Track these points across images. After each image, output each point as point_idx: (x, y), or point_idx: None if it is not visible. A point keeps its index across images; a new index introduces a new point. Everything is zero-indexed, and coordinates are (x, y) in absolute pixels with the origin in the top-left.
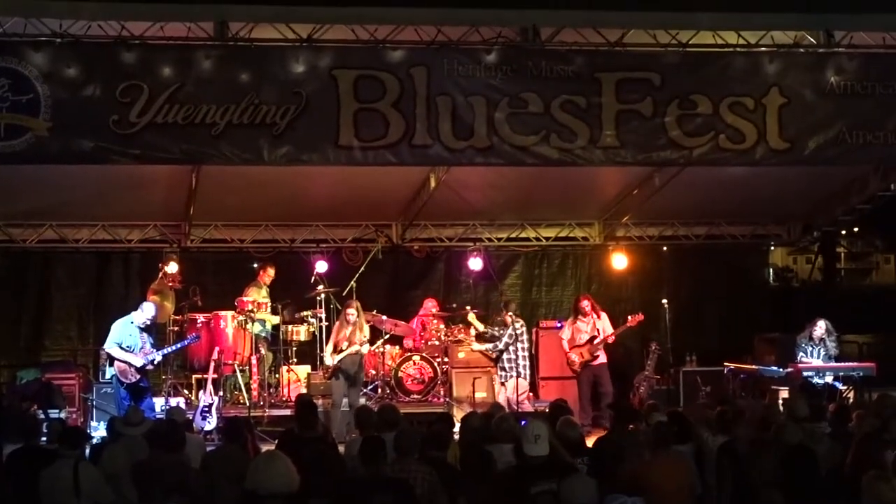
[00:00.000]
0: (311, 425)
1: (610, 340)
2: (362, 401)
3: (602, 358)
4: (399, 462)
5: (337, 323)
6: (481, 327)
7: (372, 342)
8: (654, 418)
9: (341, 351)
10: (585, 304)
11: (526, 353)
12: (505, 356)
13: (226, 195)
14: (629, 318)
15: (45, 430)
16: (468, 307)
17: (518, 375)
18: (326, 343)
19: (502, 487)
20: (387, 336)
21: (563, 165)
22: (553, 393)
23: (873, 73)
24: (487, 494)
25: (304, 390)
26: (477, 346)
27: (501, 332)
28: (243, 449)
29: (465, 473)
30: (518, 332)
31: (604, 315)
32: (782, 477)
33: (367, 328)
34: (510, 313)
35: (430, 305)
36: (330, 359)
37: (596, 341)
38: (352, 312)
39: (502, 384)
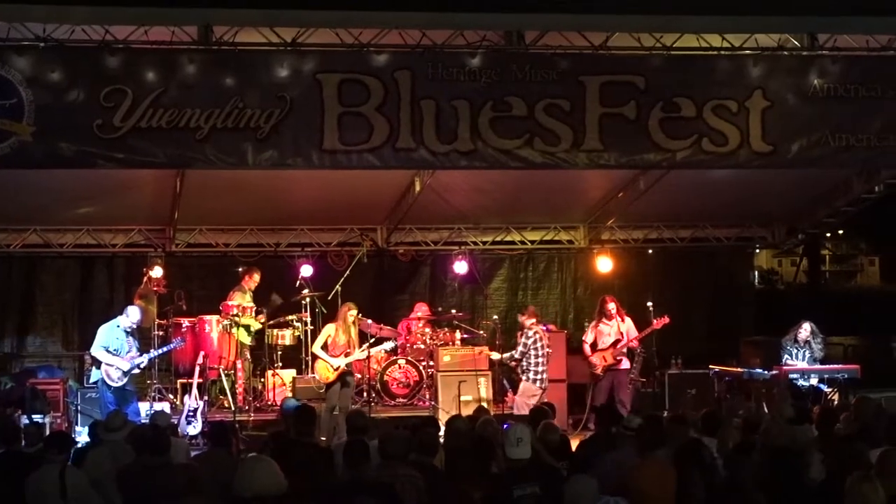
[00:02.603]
0: (310, 432)
1: (634, 345)
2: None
3: (625, 363)
4: (385, 467)
5: (334, 324)
6: (501, 356)
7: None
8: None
9: (346, 354)
10: (612, 307)
11: (541, 360)
12: (524, 361)
13: (210, 199)
14: (654, 321)
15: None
16: (491, 351)
17: (528, 380)
18: (313, 343)
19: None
20: (395, 346)
21: (547, 169)
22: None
23: (856, 76)
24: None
25: (289, 394)
26: (496, 355)
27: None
28: (229, 453)
29: (450, 476)
30: (530, 340)
31: (628, 319)
32: (767, 479)
33: None
34: (530, 318)
35: (420, 310)
36: (333, 359)
37: (619, 345)
38: (352, 314)
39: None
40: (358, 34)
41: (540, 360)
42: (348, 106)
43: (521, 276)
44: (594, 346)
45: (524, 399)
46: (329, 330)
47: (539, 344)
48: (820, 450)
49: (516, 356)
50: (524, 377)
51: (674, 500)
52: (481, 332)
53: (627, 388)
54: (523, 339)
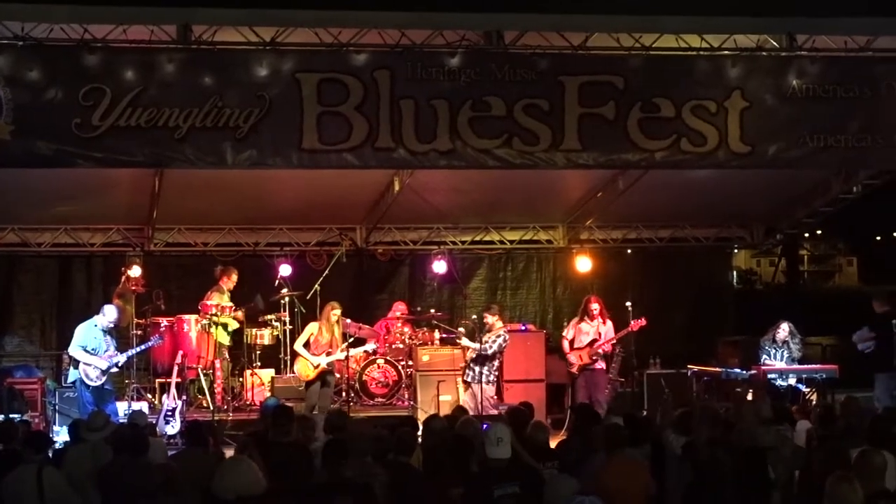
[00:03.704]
0: (287, 432)
1: (606, 348)
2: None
3: (601, 364)
4: (352, 465)
5: (317, 323)
6: (473, 344)
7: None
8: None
9: (327, 353)
10: (595, 308)
11: (500, 362)
12: (488, 361)
13: (189, 198)
14: (632, 322)
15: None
16: (460, 329)
17: (488, 382)
18: (292, 342)
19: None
20: (375, 348)
21: (526, 169)
22: (518, 396)
23: (835, 77)
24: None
25: (268, 393)
26: (468, 342)
27: (492, 338)
28: (206, 452)
29: (429, 476)
30: (506, 344)
31: (609, 322)
32: (744, 478)
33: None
34: (495, 316)
35: (398, 309)
36: (314, 357)
37: (595, 345)
38: (336, 313)
39: (468, 383)
40: (337, 34)
41: (499, 361)
42: (327, 105)
43: (500, 275)
44: (572, 343)
45: (486, 400)
46: (312, 328)
47: (504, 346)
48: (800, 450)
49: (489, 352)
50: (483, 378)
51: (641, 495)
52: (461, 330)
53: (604, 389)
54: (499, 341)
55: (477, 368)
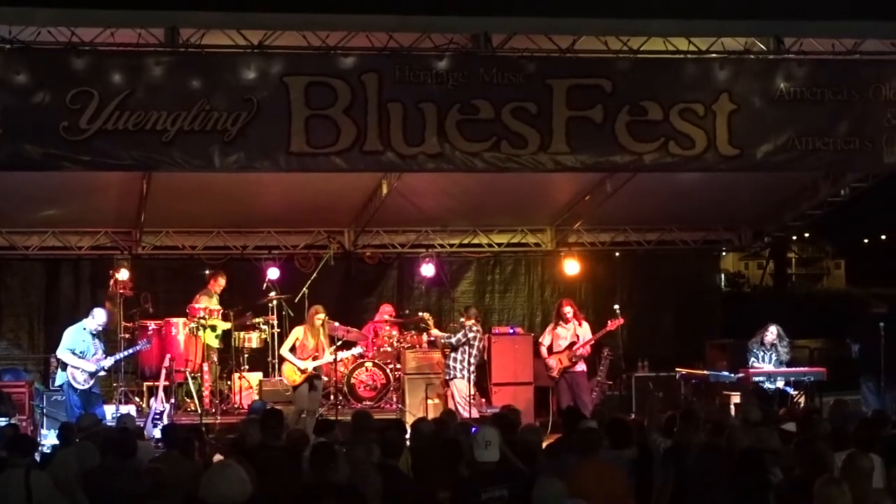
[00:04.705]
0: (277, 435)
1: (585, 349)
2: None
3: (581, 366)
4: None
5: (302, 327)
6: (440, 333)
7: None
8: None
9: (314, 358)
10: (567, 311)
11: (474, 358)
12: (459, 354)
13: (177, 202)
14: (609, 322)
15: None
16: (425, 314)
17: (463, 377)
18: (280, 346)
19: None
20: (362, 352)
21: (514, 172)
22: (506, 399)
23: (823, 80)
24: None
25: (256, 397)
26: (436, 332)
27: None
28: (186, 455)
29: (417, 479)
30: (471, 333)
31: (585, 323)
32: (732, 481)
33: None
34: (470, 319)
35: (385, 311)
36: (301, 362)
37: (574, 348)
38: (320, 317)
39: (446, 381)
40: (325, 37)
41: (473, 358)
42: (315, 108)
43: (488, 278)
44: (550, 349)
45: (463, 398)
46: (297, 333)
47: (476, 340)
48: (788, 452)
49: (453, 342)
50: (458, 374)
51: (619, 497)
52: (426, 315)
53: (587, 390)
54: (463, 330)
55: (449, 363)
